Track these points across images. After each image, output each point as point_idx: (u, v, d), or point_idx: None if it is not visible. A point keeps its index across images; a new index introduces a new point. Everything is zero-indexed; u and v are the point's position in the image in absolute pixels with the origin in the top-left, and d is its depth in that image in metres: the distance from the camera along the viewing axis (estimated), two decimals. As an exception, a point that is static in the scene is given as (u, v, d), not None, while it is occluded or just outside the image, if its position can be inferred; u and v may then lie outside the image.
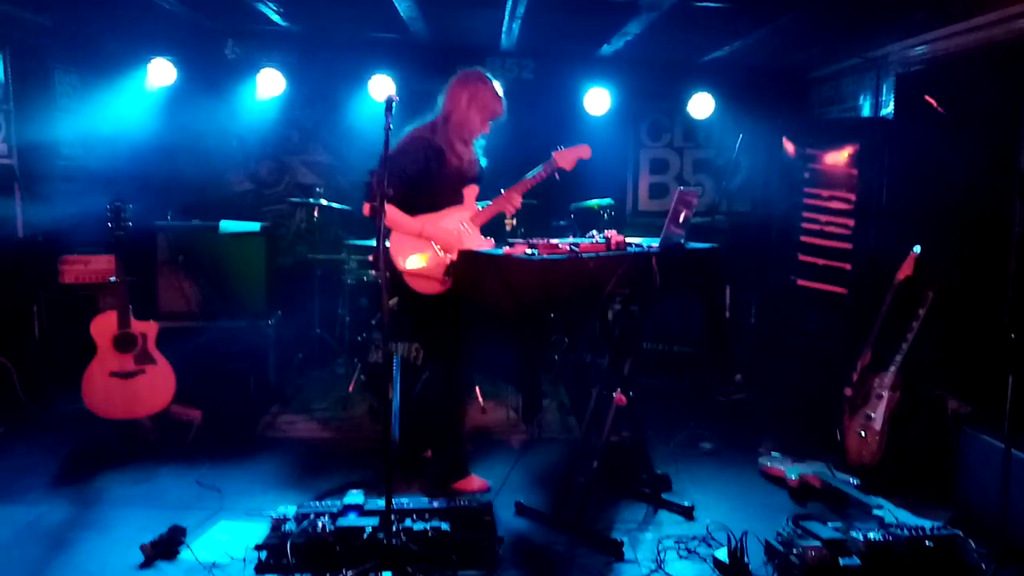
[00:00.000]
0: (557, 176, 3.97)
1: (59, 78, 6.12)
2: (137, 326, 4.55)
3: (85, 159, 6.34)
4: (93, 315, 4.55)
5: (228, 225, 5.71)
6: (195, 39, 6.32)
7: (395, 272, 3.80)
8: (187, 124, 6.73)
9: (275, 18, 5.76)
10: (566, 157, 3.92)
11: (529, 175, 3.94)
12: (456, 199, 3.90)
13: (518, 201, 3.94)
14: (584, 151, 3.96)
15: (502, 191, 3.99)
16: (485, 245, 3.89)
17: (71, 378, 4.53)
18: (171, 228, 5.67)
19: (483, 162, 4.03)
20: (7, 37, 5.49)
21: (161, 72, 6.25)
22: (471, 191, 3.97)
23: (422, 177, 3.75)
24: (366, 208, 3.81)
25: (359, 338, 5.62)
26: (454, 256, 3.78)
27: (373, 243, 3.88)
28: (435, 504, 3.48)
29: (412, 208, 3.78)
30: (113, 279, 4.54)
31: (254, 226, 5.80)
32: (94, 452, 4.41)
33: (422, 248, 3.80)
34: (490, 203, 3.95)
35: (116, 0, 5.33)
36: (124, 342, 4.51)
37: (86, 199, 5.22)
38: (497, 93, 3.91)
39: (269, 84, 6.42)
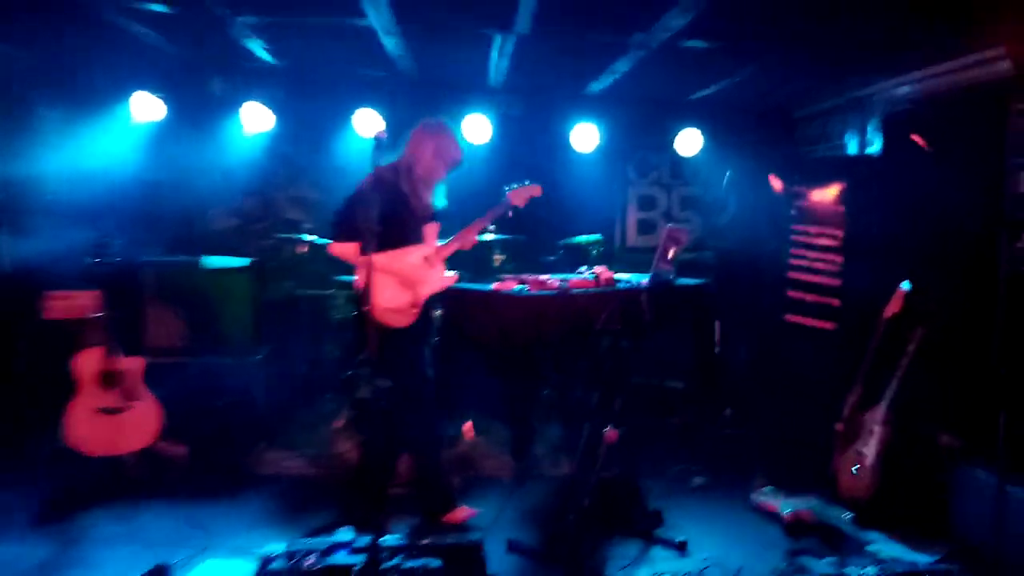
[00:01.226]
0: (510, 214, 4.17)
1: (42, 113, 6.10)
2: (123, 362, 4.49)
3: (69, 194, 6.27)
4: (77, 351, 4.48)
5: (211, 260, 5.68)
6: (181, 74, 6.32)
7: (365, 308, 3.81)
8: (172, 159, 6.69)
9: (262, 55, 5.79)
10: (519, 195, 4.15)
11: (484, 215, 4.11)
12: (417, 237, 4.01)
13: (472, 238, 4.09)
14: (535, 190, 4.19)
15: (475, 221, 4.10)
16: (447, 279, 4.04)
17: (53, 415, 4.44)
18: (156, 263, 5.62)
19: (442, 203, 4.15)
20: (-11, 72, 5.48)
21: (146, 107, 6.23)
22: (432, 228, 4.09)
23: (389, 215, 3.79)
24: (332, 247, 3.95)
25: (346, 374, 5.58)
26: (417, 290, 3.89)
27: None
28: (425, 541, 3.42)
29: (380, 244, 3.79)
30: (97, 314, 4.48)
31: (240, 261, 5.76)
32: (77, 490, 4.32)
33: (388, 283, 3.85)
34: (450, 239, 4.08)
35: (100, 36, 5.32)
36: (109, 378, 4.45)
37: (71, 234, 5.17)
38: (457, 143, 4.10)
39: (255, 119, 6.41)
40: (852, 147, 5.94)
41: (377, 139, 3.30)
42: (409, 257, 3.93)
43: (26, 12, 4.91)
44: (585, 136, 6.71)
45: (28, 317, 5.36)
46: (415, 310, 3.89)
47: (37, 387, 5.18)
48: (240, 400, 5.42)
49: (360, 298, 3.81)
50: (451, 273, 4.09)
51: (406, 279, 3.89)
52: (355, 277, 3.98)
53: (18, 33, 5.44)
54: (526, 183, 4.18)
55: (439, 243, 4.09)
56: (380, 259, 3.81)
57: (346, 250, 3.88)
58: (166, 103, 6.30)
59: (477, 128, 6.45)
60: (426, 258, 3.98)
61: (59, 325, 5.36)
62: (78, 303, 5.37)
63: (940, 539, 3.85)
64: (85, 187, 6.32)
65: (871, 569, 3.24)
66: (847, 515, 4.11)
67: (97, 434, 4.39)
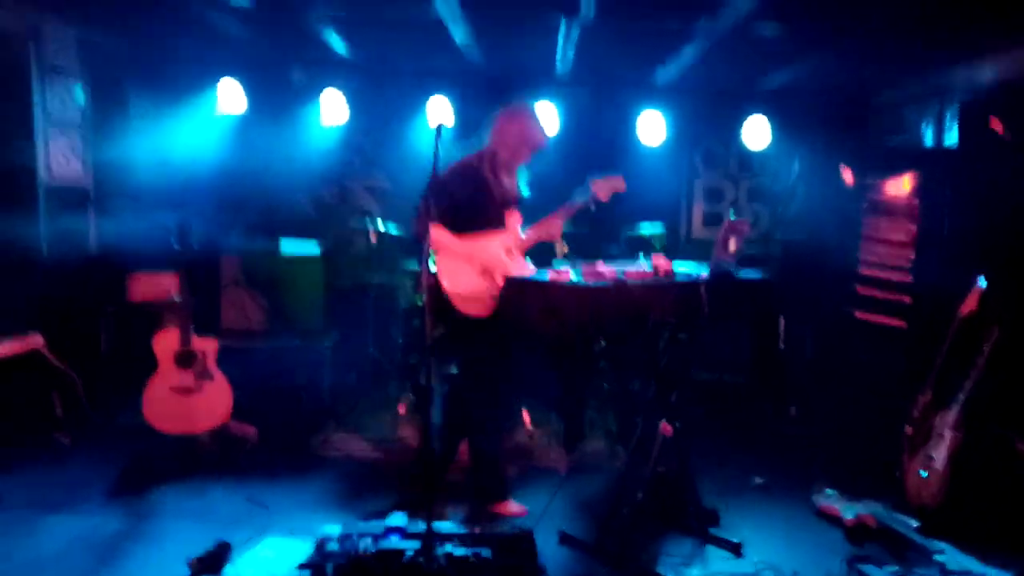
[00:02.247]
0: (593, 207, 4.04)
1: (133, 101, 6.38)
2: (198, 343, 4.68)
3: (156, 180, 6.57)
4: (157, 331, 4.71)
5: (289, 246, 5.86)
6: (262, 65, 6.52)
7: (442, 295, 3.85)
8: (253, 147, 6.91)
9: (338, 47, 5.91)
10: (603, 187, 4.00)
11: (566, 204, 4.03)
12: (499, 223, 3.98)
13: (558, 229, 4.05)
14: (619, 183, 4.02)
15: (557, 210, 4.06)
16: (527, 269, 3.97)
17: (134, 392, 4.67)
18: (235, 248, 5.84)
19: (526, 192, 4.11)
20: (88, 62, 5.77)
21: (230, 95, 6.45)
22: (514, 217, 4.05)
23: (468, 203, 3.85)
24: (414, 231, 3.99)
25: (411, 360, 5.69)
26: (497, 279, 3.86)
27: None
28: (477, 530, 3.47)
29: (459, 231, 3.88)
30: (176, 297, 4.69)
31: (314, 248, 5.92)
32: (151, 465, 4.53)
33: (469, 271, 3.87)
34: (531, 230, 4.04)
35: (187, 26, 5.54)
36: (185, 358, 4.65)
37: (156, 218, 5.38)
38: (542, 127, 4.04)
39: (332, 110, 6.57)
40: (928, 137, 5.67)
41: (438, 130, 3.32)
42: (491, 246, 3.93)
43: (122, 3, 5.15)
44: (651, 126, 6.61)
45: (113, 297, 5.66)
46: (494, 300, 3.87)
47: (119, 365, 5.48)
48: (309, 383, 5.60)
49: (436, 284, 3.86)
50: (531, 265, 4.06)
51: (486, 268, 3.90)
52: (430, 264, 4.01)
53: (114, 22, 5.70)
54: (610, 175, 4.03)
55: (521, 233, 4.06)
56: (463, 247, 3.87)
57: (428, 235, 3.88)
58: (247, 93, 6.50)
59: (544, 118, 6.41)
60: (507, 247, 3.97)
61: (142, 306, 5.66)
62: (160, 285, 5.65)
63: (1015, 552, 3.67)
64: (170, 173, 6.60)
65: (934, 579, 3.11)
66: (914, 522, 3.96)
67: (172, 412, 4.60)
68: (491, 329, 3.90)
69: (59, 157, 5.54)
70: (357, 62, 6.43)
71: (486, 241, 3.92)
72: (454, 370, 4.29)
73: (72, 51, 5.65)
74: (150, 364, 4.64)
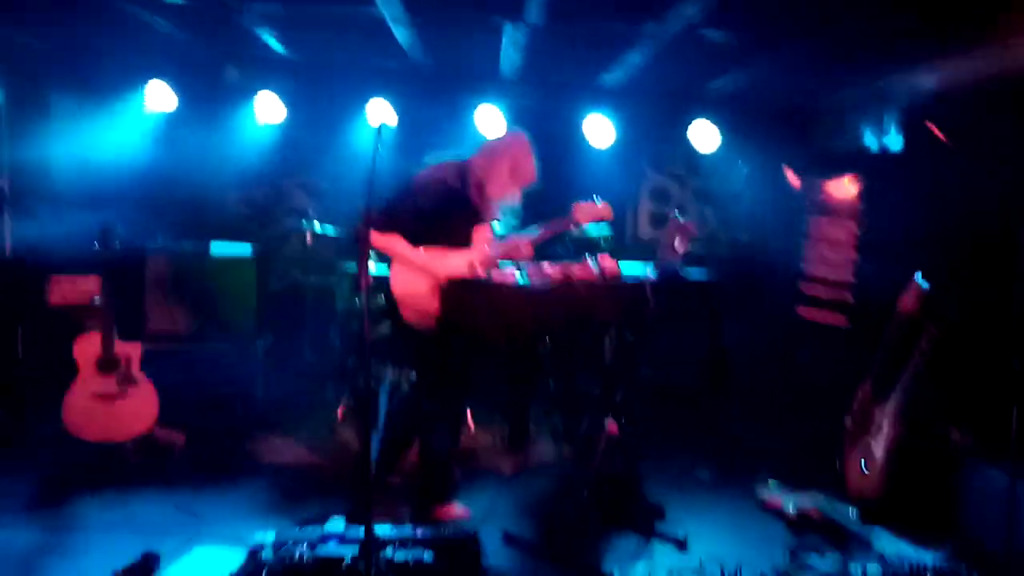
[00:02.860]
0: (573, 228, 3.98)
1: (55, 100, 6.12)
2: (121, 348, 4.47)
3: (78, 180, 6.29)
4: (78, 336, 4.47)
5: (220, 247, 5.66)
6: (194, 64, 6.32)
7: (391, 299, 3.74)
8: (184, 147, 6.70)
9: (274, 44, 5.76)
10: (586, 213, 3.91)
11: (545, 226, 3.90)
12: (465, 242, 3.82)
13: (529, 251, 3.89)
14: (606, 211, 3.93)
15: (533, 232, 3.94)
16: None
17: (53, 399, 4.43)
18: (161, 250, 5.61)
19: (503, 223, 4.02)
20: (3, 60, 5.51)
21: (159, 95, 6.24)
22: (481, 232, 3.90)
23: (436, 217, 3.69)
24: (372, 237, 3.77)
25: (349, 363, 5.54)
26: None
27: (382, 273, 3.84)
28: (418, 533, 3.35)
29: (419, 241, 3.72)
30: (97, 299, 4.47)
31: (246, 250, 5.73)
32: (72, 475, 4.30)
33: (423, 281, 3.71)
34: (500, 245, 3.89)
35: (113, 24, 5.33)
36: (107, 364, 4.44)
37: (78, 220, 5.16)
38: (534, 162, 3.86)
39: (267, 109, 6.41)
40: (870, 141, 5.81)
41: (379, 130, 3.20)
42: (452, 261, 3.75)
43: (41, 1, 4.91)
44: (599, 128, 6.62)
45: (31, 301, 5.38)
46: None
47: (37, 371, 5.20)
48: (241, 389, 5.41)
49: (389, 293, 3.71)
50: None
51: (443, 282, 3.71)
52: (375, 266, 3.88)
53: (32, 20, 5.46)
54: (597, 201, 3.91)
55: (488, 248, 3.88)
56: (418, 257, 3.70)
57: (387, 242, 3.70)
58: (178, 93, 6.30)
59: (490, 120, 6.38)
60: (470, 264, 3.77)
61: (62, 310, 5.39)
62: (80, 288, 5.39)
63: (948, 538, 3.73)
64: (94, 174, 6.34)
65: (875, 567, 3.14)
66: (854, 512, 4.01)
67: (94, 420, 4.38)
68: (440, 341, 3.75)
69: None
70: (295, 61, 6.29)
71: (449, 255, 3.76)
72: (413, 376, 4.19)
73: (-14, 48, 5.40)
74: (70, 370, 4.42)
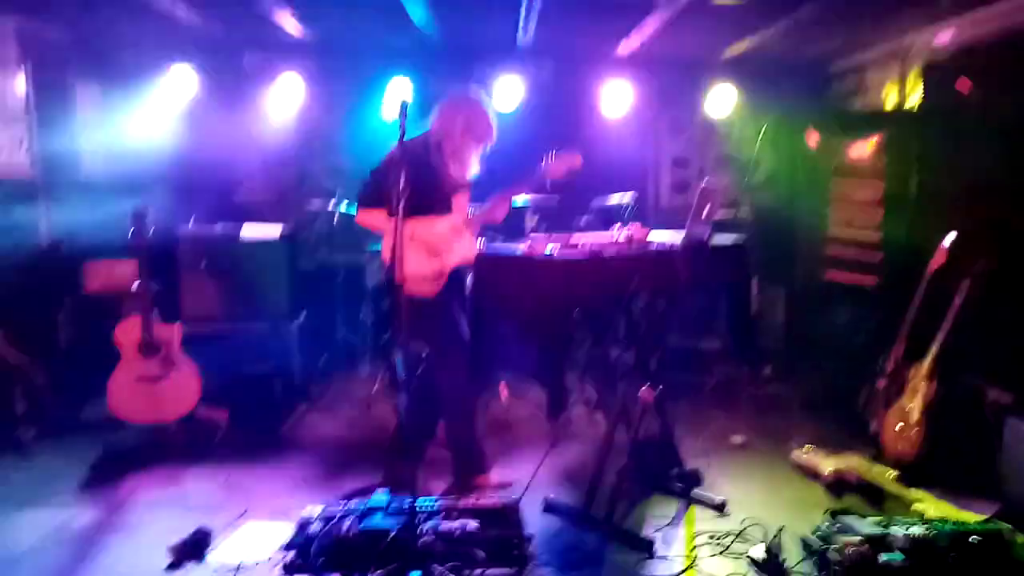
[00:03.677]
0: (548, 185, 3.97)
1: (80, 90, 6.18)
2: (161, 330, 4.55)
3: (108, 168, 6.39)
4: (118, 321, 4.56)
5: (249, 230, 5.72)
6: (214, 49, 6.35)
7: (389, 275, 3.79)
8: (209, 132, 6.75)
9: (292, 28, 5.77)
10: (557, 166, 3.89)
11: (515, 185, 3.96)
12: (445, 208, 3.89)
13: (502, 213, 3.97)
14: (575, 160, 3.92)
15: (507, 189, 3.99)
16: (476, 247, 3.94)
17: (98, 383, 4.53)
18: (194, 233, 5.68)
19: (477, 174, 4.01)
20: (29, 52, 5.56)
21: (182, 80, 6.29)
22: (462, 198, 3.96)
23: (411, 187, 3.71)
24: (360, 216, 3.90)
25: (382, 339, 5.62)
26: (443, 259, 3.81)
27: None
28: (461, 503, 3.43)
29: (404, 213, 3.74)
30: (136, 285, 4.54)
31: (275, 230, 5.79)
32: (121, 456, 4.41)
33: (413, 251, 3.77)
34: (479, 210, 3.97)
35: (135, 13, 5.36)
36: (149, 347, 4.52)
37: (110, 207, 5.23)
38: (490, 120, 3.88)
39: (287, 91, 6.43)
40: (891, 98, 5.74)
41: (402, 107, 3.22)
42: (436, 226, 3.84)
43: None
44: (616, 97, 6.60)
45: (70, 289, 5.48)
46: (441, 280, 3.82)
47: (81, 356, 5.30)
48: (278, 366, 5.49)
49: (387, 266, 3.78)
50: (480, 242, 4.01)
51: (432, 248, 3.82)
52: (383, 247, 3.94)
53: (56, 11, 5.51)
54: (563, 152, 3.92)
55: (470, 212, 4.00)
56: (405, 227, 3.75)
57: (372, 218, 3.85)
58: (201, 77, 6.33)
59: (507, 92, 6.38)
60: (454, 227, 3.88)
61: (100, 296, 5.49)
62: (118, 274, 5.48)
63: (988, 497, 3.73)
64: (123, 161, 6.42)
65: (917, 528, 3.15)
66: (891, 473, 4.03)
67: (139, 401, 4.47)
68: (440, 308, 3.84)
69: (3, 149, 5.33)
70: (313, 43, 6.29)
71: (432, 222, 3.83)
72: (419, 348, 4.23)
73: (10, 40, 5.44)
74: (112, 354, 4.50)
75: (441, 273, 3.83)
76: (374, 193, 3.77)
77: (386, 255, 3.84)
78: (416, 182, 3.72)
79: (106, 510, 3.79)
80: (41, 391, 4.83)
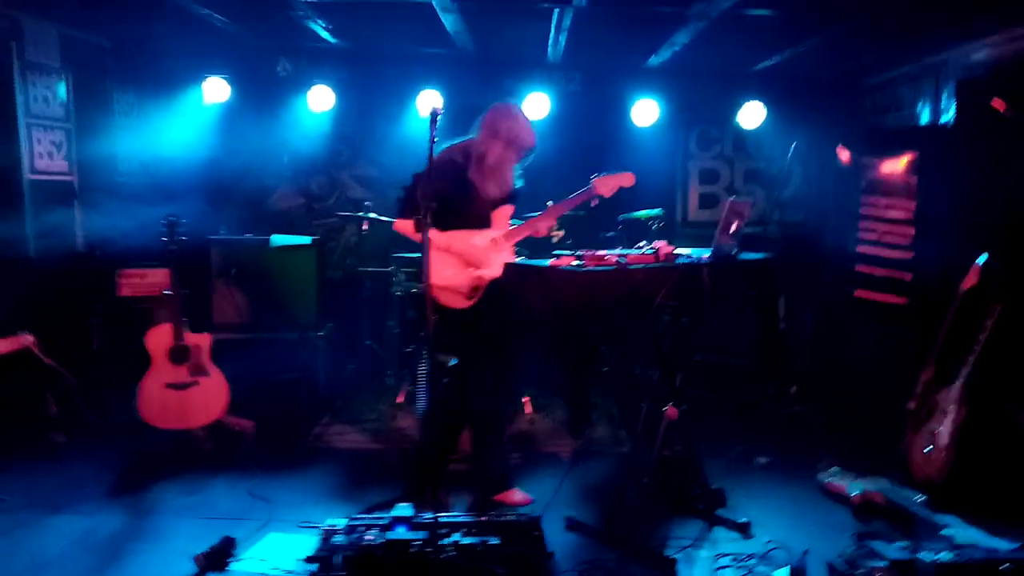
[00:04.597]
0: (594, 203, 3.98)
1: (117, 97, 6.32)
2: (191, 338, 4.62)
3: (142, 175, 6.50)
4: (149, 327, 4.63)
5: (279, 239, 5.79)
6: (247, 57, 6.45)
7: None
8: (240, 140, 6.85)
9: (324, 35, 5.84)
10: (607, 184, 3.92)
11: (565, 199, 3.94)
12: (483, 223, 3.89)
13: (545, 227, 3.98)
14: (627, 179, 3.94)
15: (548, 204, 3.97)
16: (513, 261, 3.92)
17: (128, 389, 4.60)
18: (224, 242, 5.77)
19: (519, 183, 4.03)
20: (70, 58, 5.69)
21: (216, 89, 6.39)
22: (503, 211, 3.96)
23: (449, 198, 3.73)
24: (397, 223, 3.89)
25: (408, 349, 5.64)
26: (481, 272, 3.81)
27: (419, 256, 3.90)
28: (484, 518, 3.43)
29: (441, 225, 3.76)
30: (168, 292, 4.62)
31: (304, 239, 5.86)
32: (149, 462, 4.47)
33: (449, 263, 3.79)
34: (522, 224, 3.97)
35: (171, 20, 5.46)
36: (179, 354, 4.58)
37: (143, 213, 5.33)
38: (530, 128, 3.91)
39: (320, 100, 6.51)
40: (924, 115, 5.67)
41: (433, 115, 3.26)
42: (474, 239, 3.84)
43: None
44: (645, 110, 6.60)
45: (103, 294, 5.58)
46: (476, 293, 3.82)
47: (112, 362, 5.40)
48: (304, 375, 5.54)
49: (421, 276, 3.81)
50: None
51: (469, 260, 3.83)
52: (419, 254, 3.95)
53: (96, 18, 5.64)
54: (616, 172, 3.93)
55: (511, 226, 3.98)
56: (442, 238, 3.78)
57: (409, 227, 3.76)
58: (233, 85, 6.45)
59: (537, 105, 6.41)
60: (493, 241, 3.87)
61: (132, 302, 5.58)
62: (150, 281, 5.57)
63: (1020, 524, 3.66)
64: (157, 168, 6.54)
65: (946, 555, 3.09)
66: (920, 497, 3.96)
67: (168, 408, 4.54)
68: (473, 320, 3.84)
69: (43, 154, 5.46)
70: (345, 51, 6.36)
71: (470, 234, 3.83)
72: (453, 361, 4.25)
73: (54, 48, 5.59)
74: (143, 361, 4.57)
75: (477, 287, 3.83)
76: (412, 202, 3.73)
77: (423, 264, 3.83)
78: (455, 194, 3.75)
79: (133, 516, 3.84)
80: (72, 395, 4.91)
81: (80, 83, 5.82)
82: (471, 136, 3.91)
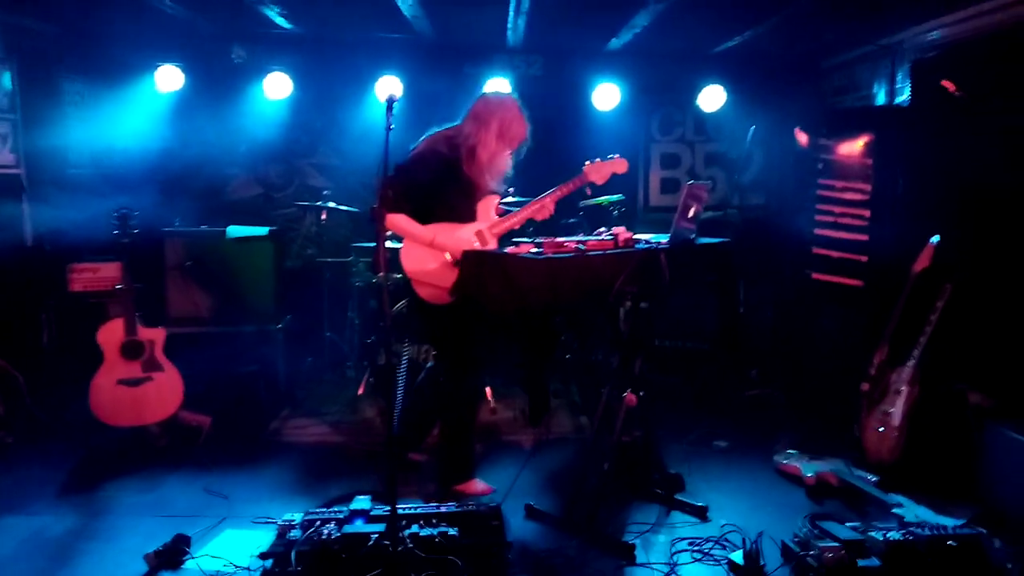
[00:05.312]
0: (588, 191, 3.90)
1: (65, 86, 6.16)
2: (144, 333, 4.53)
3: (93, 166, 6.36)
4: (102, 323, 4.53)
5: (235, 230, 5.69)
6: (201, 44, 6.32)
7: (405, 277, 3.75)
8: (195, 129, 6.73)
9: (279, 21, 5.73)
10: (599, 171, 3.82)
11: (555, 188, 3.81)
12: (468, 216, 3.78)
13: (548, 211, 3.80)
14: (620, 165, 3.85)
15: (546, 193, 3.89)
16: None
17: (79, 386, 4.51)
18: (179, 234, 5.65)
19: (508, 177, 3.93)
20: (15, 47, 5.53)
21: (168, 77, 6.26)
22: (487, 202, 3.85)
23: (435, 190, 3.66)
24: (379, 217, 3.77)
25: (368, 340, 5.60)
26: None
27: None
28: (442, 509, 3.42)
29: (425, 217, 3.69)
30: (120, 286, 4.52)
31: (262, 230, 5.77)
32: (102, 460, 4.39)
33: (433, 257, 3.69)
34: (508, 215, 3.83)
35: (120, 7, 5.32)
36: (131, 349, 4.50)
37: (94, 206, 5.22)
38: (522, 118, 3.78)
39: (276, 87, 6.41)
40: (881, 96, 5.73)
41: (389, 102, 3.17)
42: (459, 232, 3.72)
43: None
44: (607, 94, 6.60)
45: (54, 289, 5.45)
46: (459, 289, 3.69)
47: (63, 359, 5.28)
48: (262, 368, 5.47)
49: (403, 270, 3.71)
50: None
51: (454, 254, 3.66)
52: (390, 243, 3.87)
53: (41, 6, 5.48)
54: (611, 157, 3.83)
55: (496, 217, 3.87)
56: (426, 232, 3.67)
57: (395, 221, 3.66)
58: (187, 73, 6.32)
59: (498, 90, 6.34)
60: (479, 234, 3.75)
61: (85, 297, 5.46)
62: (102, 275, 5.45)
63: (968, 501, 3.75)
64: (109, 159, 6.40)
65: (895, 533, 3.16)
66: (872, 478, 4.03)
67: (121, 404, 4.46)
68: (452, 316, 3.74)
69: (-11, 146, 5.32)
70: (300, 36, 6.26)
71: (456, 228, 3.72)
72: (411, 351, 4.22)
73: (-3, 37, 5.42)
74: (95, 357, 4.48)
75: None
76: (397, 195, 3.59)
77: (408, 266, 3.70)
78: (447, 187, 3.67)
79: (84, 516, 3.77)
80: (22, 394, 4.80)
81: (25, 72, 5.66)
82: (456, 124, 3.79)
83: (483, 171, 3.72)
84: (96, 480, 4.15)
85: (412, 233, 3.68)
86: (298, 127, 7.01)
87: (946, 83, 4.73)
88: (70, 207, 5.58)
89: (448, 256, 3.68)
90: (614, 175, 3.86)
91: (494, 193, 3.88)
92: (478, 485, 4.00)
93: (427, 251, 3.69)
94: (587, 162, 3.84)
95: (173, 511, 3.79)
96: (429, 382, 4.08)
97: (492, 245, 3.80)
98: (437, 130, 3.81)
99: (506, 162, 3.80)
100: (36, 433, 4.76)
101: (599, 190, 4.10)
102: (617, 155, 3.87)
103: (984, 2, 4.53)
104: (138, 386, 4.48)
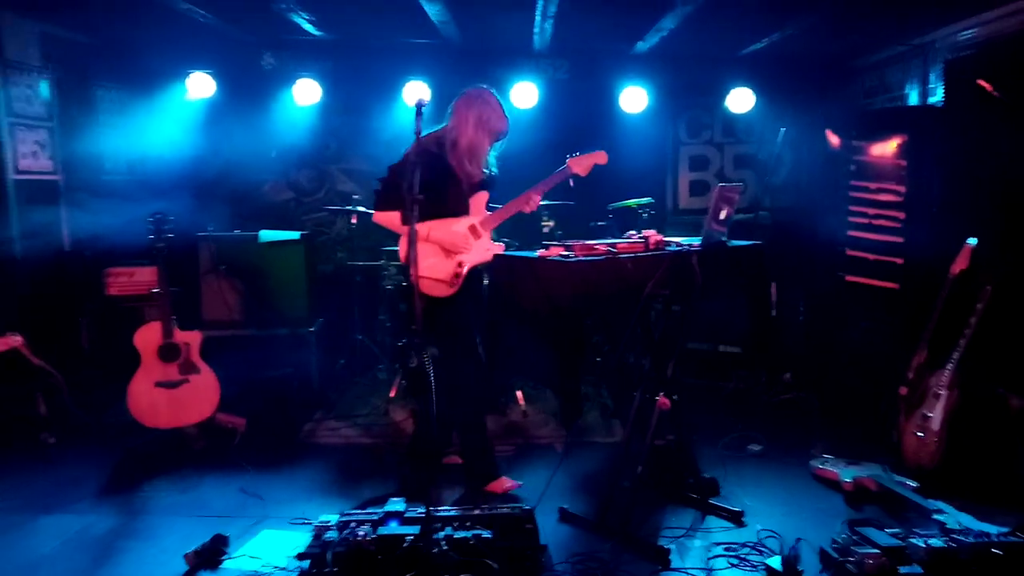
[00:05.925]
0: (572, 183, 4.02)
1: (100, 94, 6.27)
2: (181, 336, 4.59)
3: (127, 172, 6.47)
4: (138, 326, 4.60)
5: (268, 234, 5.75)
6: (232, 52, 6.40)
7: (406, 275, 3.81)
8: (226, 135, 6.81)
9: (309, 28, 5.79)
10: (581, 164, 3.95)
11: (541, 182, 3.95)
12: (463, 209, 3.92)
13: (535, 203, 3.95)
14: (600, 157, 3.97)
15: (533, 188, 3.97)
16: (494, 248, 3.95)
17: (118, 388, 4.58)
18: (213, 238, 5.73)
19: (494, 170, 4.04)
20: (52, 57, 5.65)
21: (200, 85, 6.34)
22: (480, 198, 3.99)
23: (427, 187, 3.71)
24: (377, 215, 3.91)
25: (400, 343, 5.62)
26: (462, 259, 3.85)
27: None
28: (477, 511, 3.42)
29: (420, 214, 3.73)
30: (156, 290, 4.59)
31: (294, 234, 5.83)
32: (141, 461, 4.46)
33: (430, 252, 3.82)
34: (499, 209, 3.98)
35: (154, 16, 5.41)
36: (168, 352, 4.56)
37: (130, 211, 5.29)
38: (502, 113, 3.93)
39: (306, 93, 6.47)
40: (913, 97, 5.66)
41: (418, 106, 3.24)
42: (454, 227, 3.87)
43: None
44: (633, 97, 6.58)
45: (91, 294, 5.55)
46: (458, 280, 3.85)
47: (102, 361, 5.37)
48: (295, 371, 5.52)
49: (404, 267, 3.81)
50: (498, 243, 4.02)
51: (449, 248, 3.86)
52: (399, 247, 3.96)
53: (77, 16, 5.59)
54: (590, 150, 3.96)
55: (488, 212, 4.00)
56: (422, 228, 3.75)
57: (389, 219, 3.85)
58: (218, 80, 6.41)
59: (524, 94, 6.38)
60: (472, 228, 3.91)
61: (121, 301, 5.55)
62: (138, 279, 5.54)
63: (1011, 509, 3.67)
64: (142, 165, 6.50)
65: (937, 540, 3.10)
66: (912, 483, 3.96)
67: (158, 407, 4.52)
68: (454, 309, 3.87)
69: (27, 153, 5.42)
70: (329, 43, 6.31)
71: (449, 222, 3.87)
72: (435, 352, 4.21)
73: (35, 46, 5.54)
74: (133, 359, 4.54)
75: (459, 274, 3.84)
76: (391, 193, 3.77)
77: (403, 255, 3.87)
78: (433, 182, 3.74)
79: (124, 515, 3.82)
80: (62, 396, 4.88)
81: (63, 81, 5.78)
82: (444, 125, 3.93)
83: (463, 158, 3.86)
84: (135, 480, 4.22)
85: (405, 230, 3.74)
86: (327, 133, 7.09)
87: (982, 82, 4.66)
88: (106, 212, 5.67)
89: (442, 250, 3.84)
90: (598, 167, 3.97)
91: (481, 188, 3.97)
92: (506, 482, 4.04)
93: (424, 245, 3.77)
94: (568, 156, 3.97)
95: (210, 511, 3.83)
96: (438, 385, 4.09)
97: (485, 238, 3.95)
98: (428, 132, 3.91)
99: (486, 151, 3.94)
100: (77, 435, 4.83)
101: (600, 192, 4.13)
102: (599, 149, 3.98)
103: (1016, 2, 4.47)
104: (175, 388, 4.54)
